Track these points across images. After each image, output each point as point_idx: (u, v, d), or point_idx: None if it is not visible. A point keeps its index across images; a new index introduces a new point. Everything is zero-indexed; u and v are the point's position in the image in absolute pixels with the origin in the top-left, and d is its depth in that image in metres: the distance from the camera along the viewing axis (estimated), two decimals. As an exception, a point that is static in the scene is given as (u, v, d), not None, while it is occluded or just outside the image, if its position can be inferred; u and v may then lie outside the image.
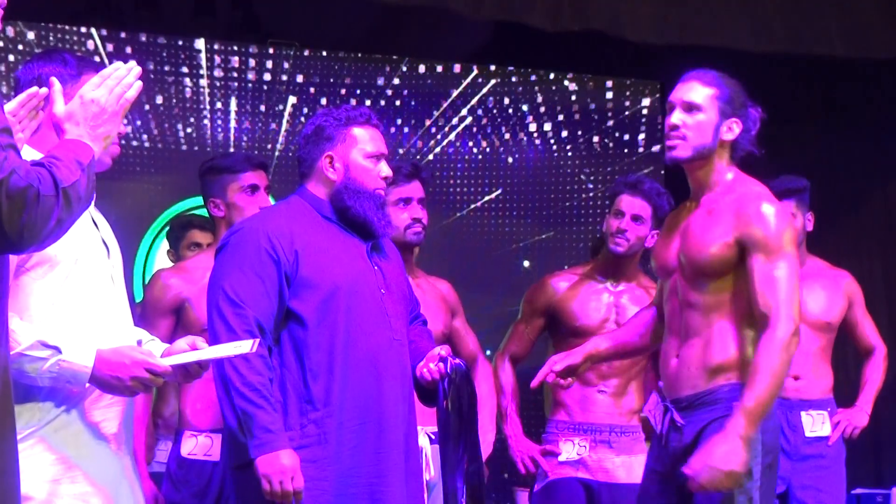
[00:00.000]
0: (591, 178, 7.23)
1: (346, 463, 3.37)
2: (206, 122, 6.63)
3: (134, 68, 2.66)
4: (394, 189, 4.15)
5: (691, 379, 3.43)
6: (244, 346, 2.94)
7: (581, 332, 4.53)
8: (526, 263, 7.09)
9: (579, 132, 7.24)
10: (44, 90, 2.71)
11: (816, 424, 4.81)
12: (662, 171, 7.34)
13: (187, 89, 6.61)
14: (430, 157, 6.95)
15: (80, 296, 2.86)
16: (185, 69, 6.60)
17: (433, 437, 4.10)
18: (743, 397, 3.28)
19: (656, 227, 4.42)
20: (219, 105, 6.68)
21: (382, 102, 6.95)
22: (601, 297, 4.61)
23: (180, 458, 4.11)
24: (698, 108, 3.48)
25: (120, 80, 2.63)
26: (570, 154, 7.25)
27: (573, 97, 7.27)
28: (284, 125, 6.72)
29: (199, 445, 4.09)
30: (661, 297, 3.67)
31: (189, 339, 2.96)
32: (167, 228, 5.78)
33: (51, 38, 6.24)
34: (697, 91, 3.51)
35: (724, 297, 3.41)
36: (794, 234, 3.45)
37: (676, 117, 3.50)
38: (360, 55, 6.97)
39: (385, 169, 3.54)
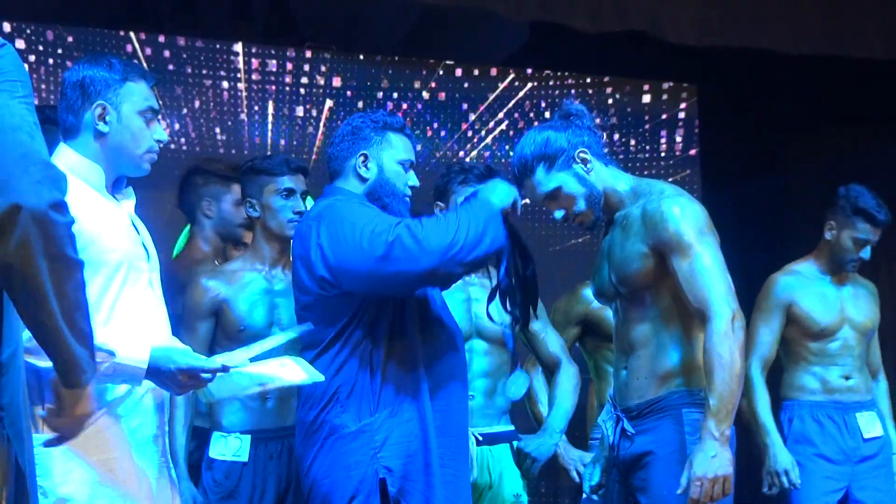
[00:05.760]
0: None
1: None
2: (243, 125, 6.63)
3: None
4: (463, 188, 4.14)
5: (640, 388, 3.37)
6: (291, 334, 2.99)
7: None
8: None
9: (616, 136, 7.21)
10: None
11: (869, 425, 4.82)
12: (699, 174, 7.31)
13: (224, 93, 6.62)
14: (467, 160, 6.93)
15: (121, 299, 2.88)
16: (222, 73, 6.60)
17: (480, 438, 4.10)
18: (707, 399, 3.18)
19: None
20: (256, 109, 6.68)
21: (419, 106, 6.94)
22: None
23: (209, 459, 4.11)
24: (553, 192, 3.42)
25: None
26: (606, 158, 7.22)
27: (610, 100, 7.24)
28: (321, 129, 6.72)
29: (228, 447, 4.09)
30: None
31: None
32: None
33: (90, 42, 6.25)
34: (537, 183, 3.43)
35: (664, 306, 3.34)
36: (706, 222, 3.30)
37: (557, 213, 3.45)
38: (397, 59, 6.96)
39: (413, 179, 3.58)
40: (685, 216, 3.28)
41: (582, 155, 3.41)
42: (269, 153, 6.49)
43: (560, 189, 3.41)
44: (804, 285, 4.87)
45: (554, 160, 3.40)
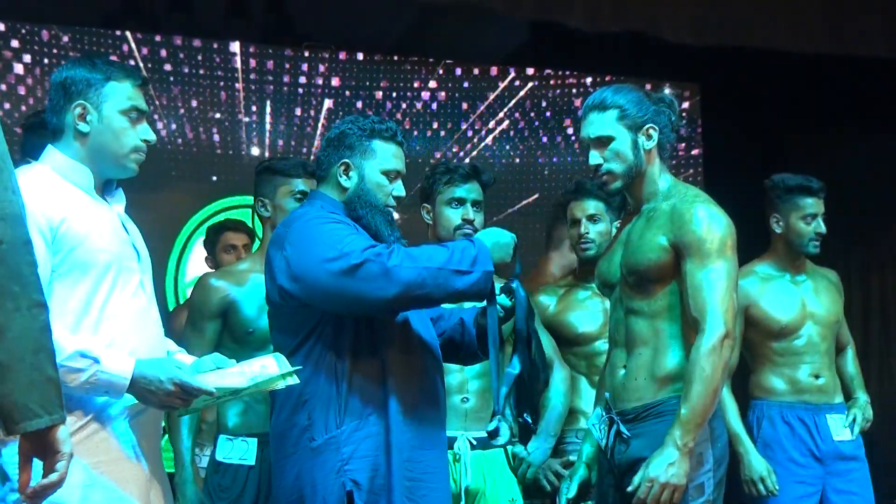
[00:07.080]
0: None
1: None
2: (241, 126, 6.61)
3: None
4: (448, 188, 4.12)
5: (638, 390, 3.38)
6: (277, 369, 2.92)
7: (583, 341, 4.53)
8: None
9: (617, 135, 7.18)
10: None
11: (839, 427, 4.78)
12: (702, 173, 7.28)
13: (222, 93, 6.60)
14: (467, 160, 6.90)
15: (111, 301, 2.86)
16: (219, 72, 6.58)
17: (474, 442, 4.07)
18: (679, 408, 3.22)
19: (617, 217, 4.41)
20: (254, 109, 6.66)
21: (418, 105, 6.92)
22: (593, 304, 4.56)
23: (216, 462, 4.09)
24: (605, 139, 3.43)
25: None
26: (608, 157, 7.19)
27: (611, 100, 7.21)
28: (320, 129, 6.70)
29: (234, 450, 4.07)
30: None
31: (215, 357, 2.95)
32: (204, 237, 5.76)
33: (85, 42, 6.24)
34: (599, 122, 3.44)
35: (669, 302, 3.35)
36: (731, 238, 3.33)
37: (593, 158, 3.46)
38: (396, 58, 6.94)
39: (399, 189, 3.48)
40: (712, 225, 3.31)
41: (650, 131, 3.44)
42: (267, 154, 6.47)
43: (612, 141, 3.42)
44: (761, 285, 4.81)
45: (628, 116, 3.42)
